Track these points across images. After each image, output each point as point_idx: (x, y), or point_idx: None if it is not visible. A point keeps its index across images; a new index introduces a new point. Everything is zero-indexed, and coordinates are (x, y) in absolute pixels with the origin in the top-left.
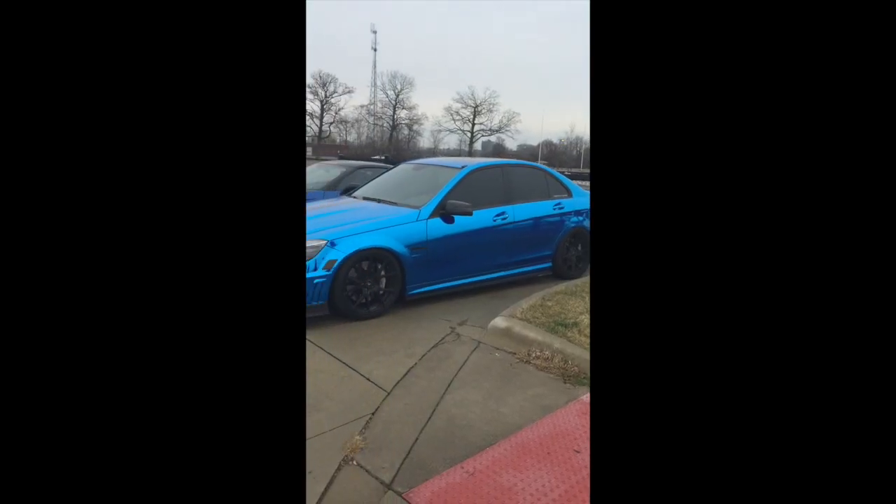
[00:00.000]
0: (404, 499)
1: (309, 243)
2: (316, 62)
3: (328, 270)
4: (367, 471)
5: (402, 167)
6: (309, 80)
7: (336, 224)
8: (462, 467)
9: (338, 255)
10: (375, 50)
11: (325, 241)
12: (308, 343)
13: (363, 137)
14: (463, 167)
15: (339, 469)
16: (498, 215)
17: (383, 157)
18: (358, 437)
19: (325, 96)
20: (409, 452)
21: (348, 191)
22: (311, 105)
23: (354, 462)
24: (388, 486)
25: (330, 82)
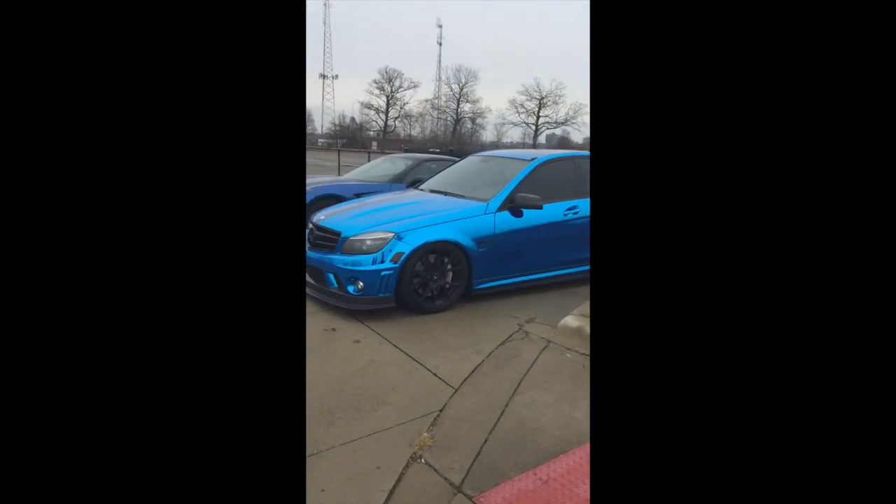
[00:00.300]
0: (474, 503)
1: (377, 235)
2: (382, 58)
3: (395, 263)
4: (435, 470)
5: (469, 159)
6: (375, 76)
7: (403, 217)
8: (535, 474)
9: (405, 247)
10: (440, 44)
11: (392, 234)
12: (375, 335)
13: (427, 131)
14: (533, 159)
15: (407, 466)
16: (569, 209)
17: (437, 151)
18: (426, 435)
19: (391, 91)
20: (478, 454)
21: (414, 183)
22: (378, 100)
23: (423, 460)
24: (458, 489)
25: (396, 78)
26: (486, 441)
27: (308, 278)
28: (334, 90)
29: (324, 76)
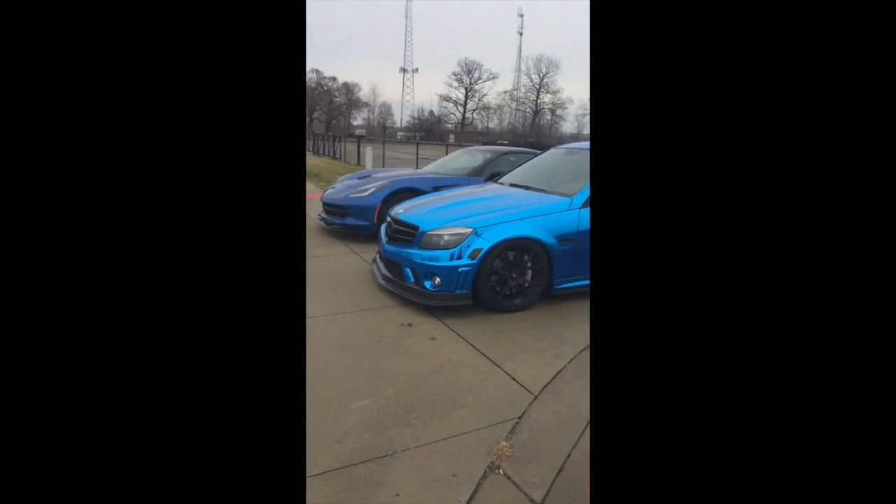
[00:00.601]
0: None
1: (455, 230)
2: (462, 50)
3: (473, 259)
4: (514, 483)
5: (551, 152)
6: (455, 68)
7: (482, 212)
8: None
9: (484, 244)
10: (521, 34)
11: (470, 229)
12: (451, 332)
13: (504, 123)
14: None
15: (484, 477)
16: None
17: (506, 143)
18: (504, 444)
19: (470, 83)
20: (560, 469)
21: (493, 177)
22: (456, 92)
23: (500, 471)
24: None
25: (475, 69)
26: (569, 455)
27: (385, 272)
28: (414, 84)
29: (404, 70)
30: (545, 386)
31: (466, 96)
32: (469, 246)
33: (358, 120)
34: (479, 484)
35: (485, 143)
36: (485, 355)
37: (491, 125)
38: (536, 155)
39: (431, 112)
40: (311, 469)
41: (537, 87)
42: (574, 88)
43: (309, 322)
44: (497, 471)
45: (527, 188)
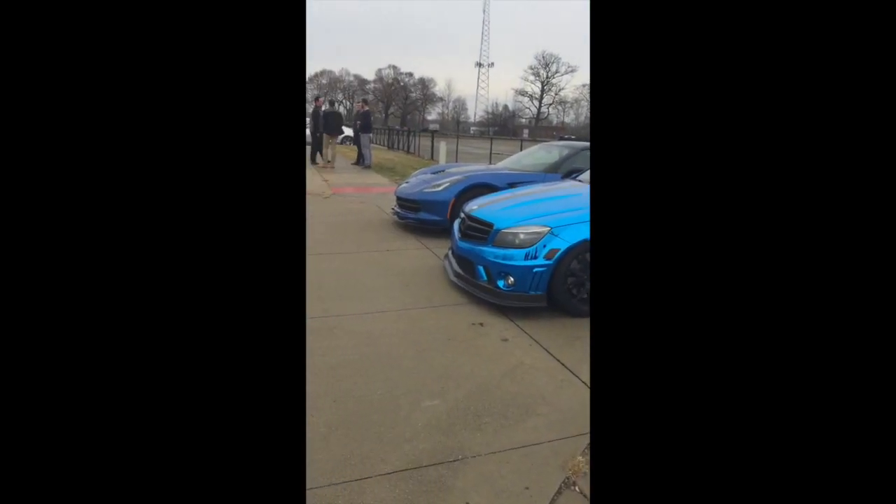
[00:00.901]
0: None
1: (531, 229)
2: (540, 43)
3: (549, 260)
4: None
5: None
6: (531, 62)
7: (559, 210)
8: None
9: (561, 244)
10: None
11: (547, 228)
12: (524, 335)
13: (581, 118)
14: None
15: (559, 493)
16: None
17: (573, 137)
18: (581, 459)
19: (547, 77)
20: None
21: (570, 174)
22: (532, 87)
23: (576, 488)
24: None
25: (552, 62)
26: None
27: (458, 269)
28: (489, 78)
29: (479, 64)
30: None
31: (542, 90)
32: (545, 246)
33: (432, 115)
34: (553, 500)
35: (561, 139)
36: (559, 361)
37: (567, 120)
38: None
39: (506, 107)
40: (379, 467)
41: None
42: None
43: (380, 316)
44: (573, 487)
45: None
